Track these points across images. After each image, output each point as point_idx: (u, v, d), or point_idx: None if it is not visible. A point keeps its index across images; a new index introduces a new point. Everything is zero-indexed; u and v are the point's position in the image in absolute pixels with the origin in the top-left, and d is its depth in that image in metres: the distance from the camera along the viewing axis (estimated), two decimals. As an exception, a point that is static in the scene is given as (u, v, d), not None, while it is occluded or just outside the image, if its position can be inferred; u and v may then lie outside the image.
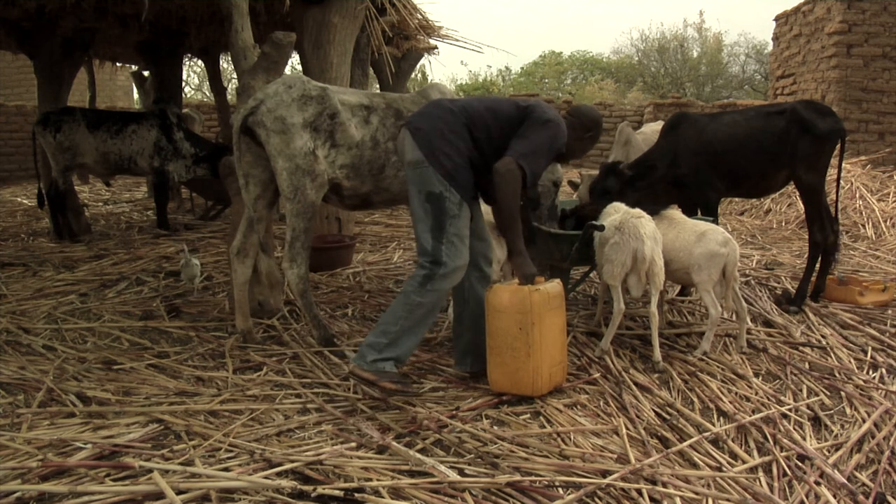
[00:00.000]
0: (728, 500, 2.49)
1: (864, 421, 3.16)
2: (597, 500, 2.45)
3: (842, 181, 7.94)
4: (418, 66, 10.74)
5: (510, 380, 3.23)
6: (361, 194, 4.01)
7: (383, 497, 2.35)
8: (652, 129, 8.14)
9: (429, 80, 19.03)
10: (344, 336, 4.12)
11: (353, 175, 3.90)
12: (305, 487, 2.37)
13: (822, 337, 4.18)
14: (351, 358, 3.08)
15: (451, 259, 3.06)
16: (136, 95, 16.31)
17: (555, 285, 3.31)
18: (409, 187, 3.16)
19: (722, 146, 4.74)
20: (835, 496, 2.57)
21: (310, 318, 3.91)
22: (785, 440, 2.95)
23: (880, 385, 3.55)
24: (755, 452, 2.89)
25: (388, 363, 3.04)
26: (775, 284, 5.24)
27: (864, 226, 7.63)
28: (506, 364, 3.21)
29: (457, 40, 8.17)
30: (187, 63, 12.66)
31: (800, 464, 2.79)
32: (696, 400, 3.36)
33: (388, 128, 3.95)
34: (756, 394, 3.42)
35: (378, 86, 11.03)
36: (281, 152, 3.67)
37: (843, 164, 5.01)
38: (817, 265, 4.75)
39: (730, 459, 2.81)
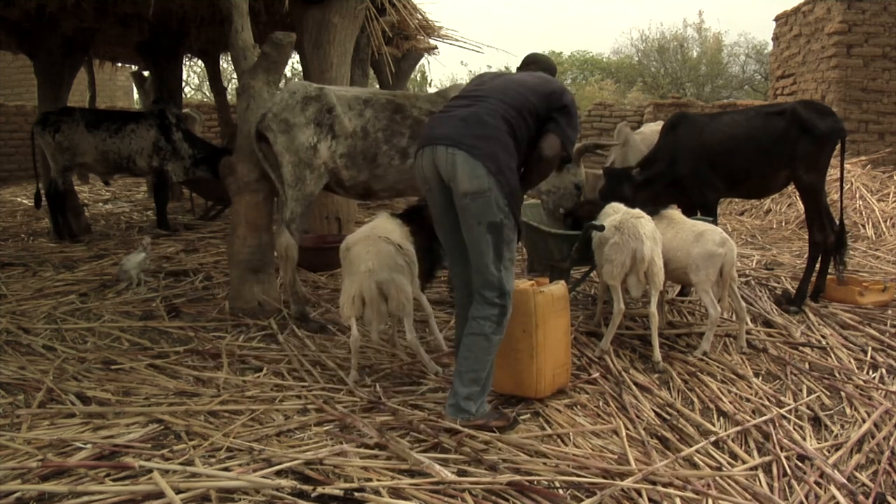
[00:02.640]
0: (728, 500, 2.49)
1: (864, 421, 3.16)
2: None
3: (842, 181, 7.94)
4: (418, 66, 10.75)
5: (513, 381, 3.22)
6: (361, 182, 4.33)
7: (383, 497, 2.35)
8: (650, 130, 8.14)
9: (428, 81, 19.02)
10: (345, 335, 4.12)
11: (350, 164, 4.27)
12: (305, 487, 2.36)
13: (822, 337, 4.18)
14: (448, 413, 2.95)
15: (510, 285, 2.95)
16: (136, 95, 16.31)
17: (559, 287, 3.31)
18: (466, 217, 2.87)
19: (721, 146, 4.74)
20: (835, 496, 2.57)
21: (290, 292, 4.31)
22: (785, 440, 2.95)
23: (880, 385, 3.55)
24: (755, 452, 2.89)
25: (483, 402, 2.98)
26: (775, 284, 5.24)
27: (864, 226, 7.63)
28: (509, 366, 3.20)
29: (457, 40, 8.18)
30: (187, 63, 12.66)
31: (800, 464, 2.80)
32: (696, 400, 3.36)
33: (380, 120, 4.24)
34: (756, 394, 3.42)
35: (378, 86, 11.03)
36: (287, 149, 4.15)
37: (844, 164, 5.00)
38: (817, 265, 4.75)
39: (730, 459, 2.81)
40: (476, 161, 2.81)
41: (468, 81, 3.32)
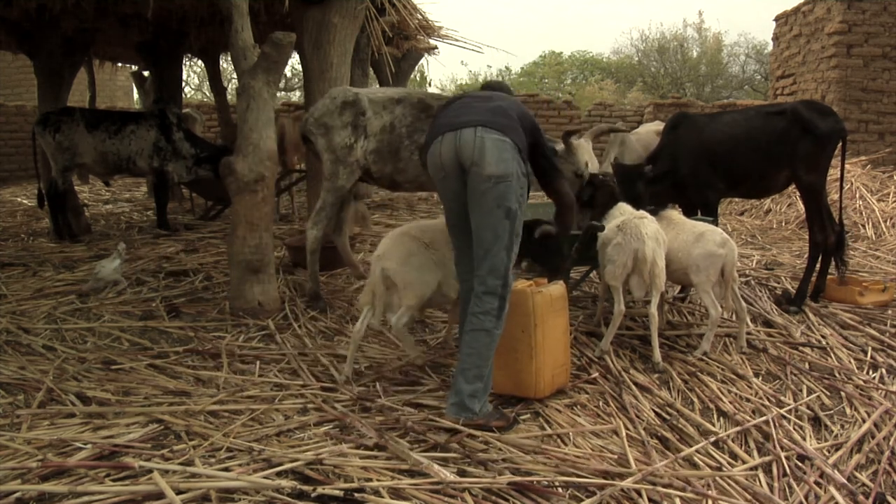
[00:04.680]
0: (728, 500, 2.49)
1: (864, 421, 3.16)
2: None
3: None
4: (418, 66, 10.75)
5: (512, 381, 3.22)
6: (387, 175, 4.71)
7: (383, 497, 2.35)
8: (646, 130, 8.14)
9: (428, 81, 19.03)
10: (344, 336, 4.12)
11: (377, 159, 4.63)
12: (305, 487, 2.36)
13: (822, 337, 4.18)
14: (449, 412, 2.93)
15: (512, 279, 2.96)
16: (136, 95, 16.31)
17: (558, 287, 3.30)
18: (484, 201, 2.88)
19: (721, 146, 4.74)
20: (834, 497, 2.57)
21: (309, 272, 4.71)
22: (785, 440, 2.95)
23: (880, 385, 3.55)
24: (755, 452, 2.89)
25: (485, 401, 2.98)
26: (775, 284, 5.24)
27: (864, 226, 7.63)
28: (508, 366, 3.20)
29: (457, 40, 8.18)
30: (187, 63, 12.66)
31: (800, 464, 2.80)
32: (696, 400, 3.36)
33: (406, 117, 4.55)
34: (756, 394, 3.42)
35: (377, 86, 11.01)
36: (326, 148, 4.62)
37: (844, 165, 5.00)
38: (817, 265, 4.75)
39: (730, 459, 2.81)
40: (506, 140, 2.90)
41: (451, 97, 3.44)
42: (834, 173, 7.21)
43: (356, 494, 2.35)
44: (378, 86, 9.83)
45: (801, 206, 7.30)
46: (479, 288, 2.93)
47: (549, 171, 3.33)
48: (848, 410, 3.31)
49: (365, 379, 3.48)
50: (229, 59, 8.25)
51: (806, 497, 2.59)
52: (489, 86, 3.52)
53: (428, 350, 3.93)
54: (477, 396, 2.92)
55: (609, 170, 5.66)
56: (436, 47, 9.50)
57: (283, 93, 23.08)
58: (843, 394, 3.45)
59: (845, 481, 2.66)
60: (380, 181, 4.84)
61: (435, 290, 3.43)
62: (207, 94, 21.81)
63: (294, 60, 16.15)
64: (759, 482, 2.65)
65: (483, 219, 2.92)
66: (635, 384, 3.46)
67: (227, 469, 2.52)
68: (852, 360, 3.87)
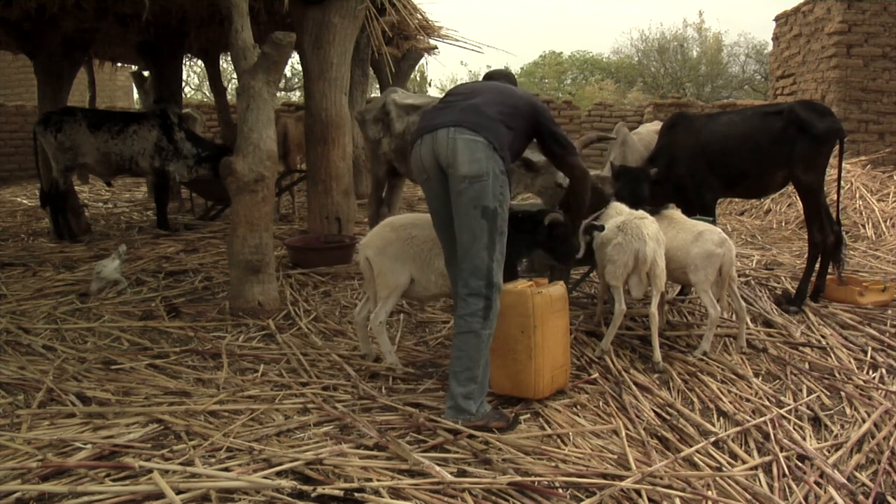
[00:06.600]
0: (728, 500, 2.49)
1: (864, 421, 3.16)
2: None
3: (842, 181, 7.95)
4: (418, 66, 10.76)
5: (512, 382, 3.22)
6: (406, 172, 5.30)
7: (383, 497, 2.35)
8: (647, 130, 8.14)
9: (428, 81, 19.04)
10: (344, 337, 4.12)
11: (397, 157, 5.28)
12: (305, 487, 2.36)
13: (822, 337, 4.18)
14: (447, 415, 2.93)
15: (499, 279, 2.93)
16: (136, 95, 16.30)
17: (558, 288, 3.30)
18: (461, 202, 2.88)
19: (719, 146, 4.74)
20: (834, 497, 2.57)
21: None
22: (785, 440, 2.95)
23: (880, 385, 3.55)
24: (755, 452, 2.89)
25: (483, 402, 2.98)
26: (775, 284, 5.24)
27: (864, 226, 7.63)
28: (507, 366, 3.20)
29: (457, 40, 8.18)
30: (187, 63, 12.66)
31: (800, 464, 2.80)
32: (696, 400, 3.36)
33: (416, 124, 4.78)
34: (756, 394, 3.42)
35: (378, 86, 11.03)
36: (365, 137, 5.62)
37: (843, 164, 4.99)
38: (817, 265, 4.75)
39: (730, 459, 2.81)
40: (478, 139, 2.87)
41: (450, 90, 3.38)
42: (833, 173, 7.22)
43: (356, 494, 2.35)
44: (378, 86, 9.85)
45: (800, 206, 7.29)
46: (463, 290, 2.93)
47: (557, 151, 3.25)
48: (848, 410, 3.31)
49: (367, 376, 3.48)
50: (229, 59, 8.25)
51: (806, 497, 2.59)
52: (489, 76, 3.50)
53: (428, 350, 3.94)
54: (472, 398, 2.92)
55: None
56: (436, 47, 9.49)
57: (283, 93, 23.09)
58: (843, 394, 3.45)
59: (845, 481, 2.66)
60: (406, 175, 5.50)
61: (408, 283, 3.48)
62: (207, 94, 21.80)
63: (294, 60, 16.17)
64: (759, 482, 2.65)
65: (461, 220, 2.92)
66: (635, 384, 3.46)
67: (227, 469, 2.52)
68: (852, 360, 3.87)
